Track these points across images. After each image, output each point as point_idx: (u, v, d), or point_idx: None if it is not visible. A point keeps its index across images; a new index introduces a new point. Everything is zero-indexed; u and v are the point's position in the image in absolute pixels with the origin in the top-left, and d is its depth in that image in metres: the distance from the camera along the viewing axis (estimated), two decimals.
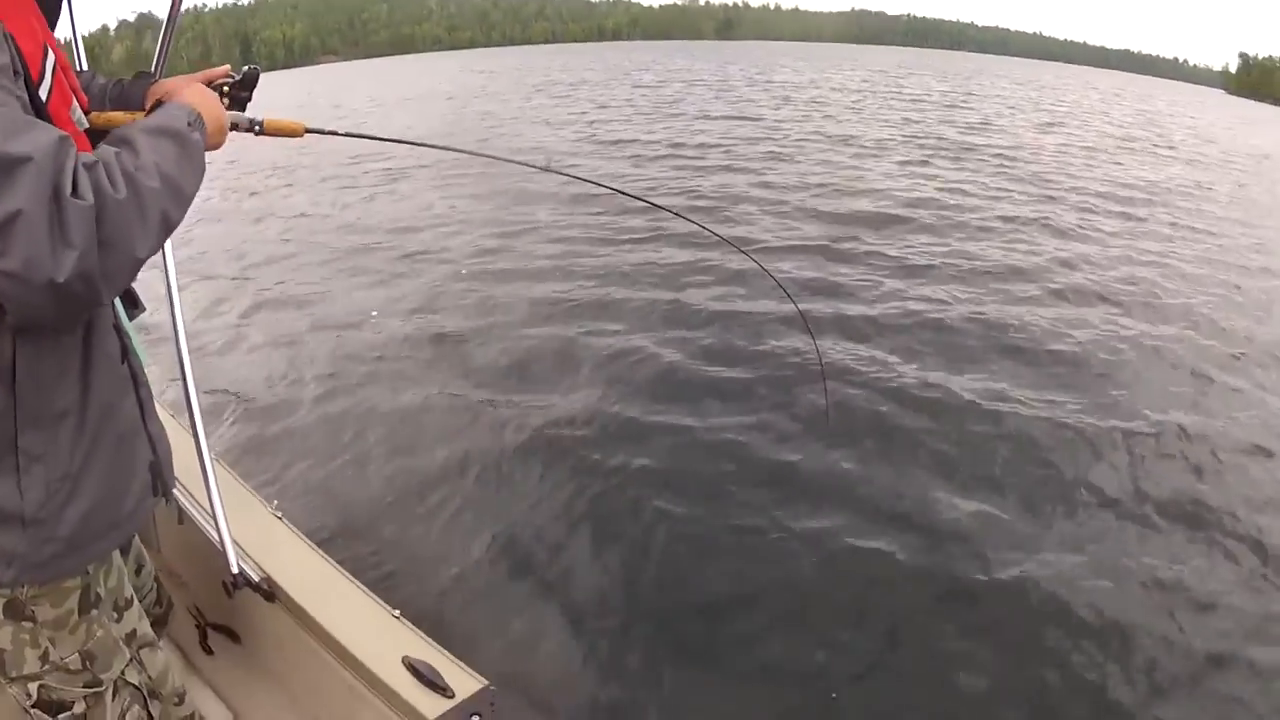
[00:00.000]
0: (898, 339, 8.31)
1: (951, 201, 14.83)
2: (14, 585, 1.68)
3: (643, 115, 28.83)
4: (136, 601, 2.14)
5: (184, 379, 2.62)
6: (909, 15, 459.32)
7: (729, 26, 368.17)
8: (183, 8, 2.60)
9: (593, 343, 7.99)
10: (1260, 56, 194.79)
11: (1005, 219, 13.82)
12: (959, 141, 23.66)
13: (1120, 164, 22.02)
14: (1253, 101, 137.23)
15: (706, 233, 7.65)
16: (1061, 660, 4.43)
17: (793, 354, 7.76)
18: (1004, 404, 7.11)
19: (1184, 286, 10.91)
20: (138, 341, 2.03)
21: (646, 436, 6.54)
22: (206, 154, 1.81)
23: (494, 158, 4.53)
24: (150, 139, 1.52)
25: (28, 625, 1.74)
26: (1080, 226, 13.93)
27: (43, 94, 1.53)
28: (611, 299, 9.13)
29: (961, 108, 37.35)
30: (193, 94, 1.81)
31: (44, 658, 1.80)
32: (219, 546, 2.50)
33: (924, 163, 19.15)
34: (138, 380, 1.93)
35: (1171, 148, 28.83)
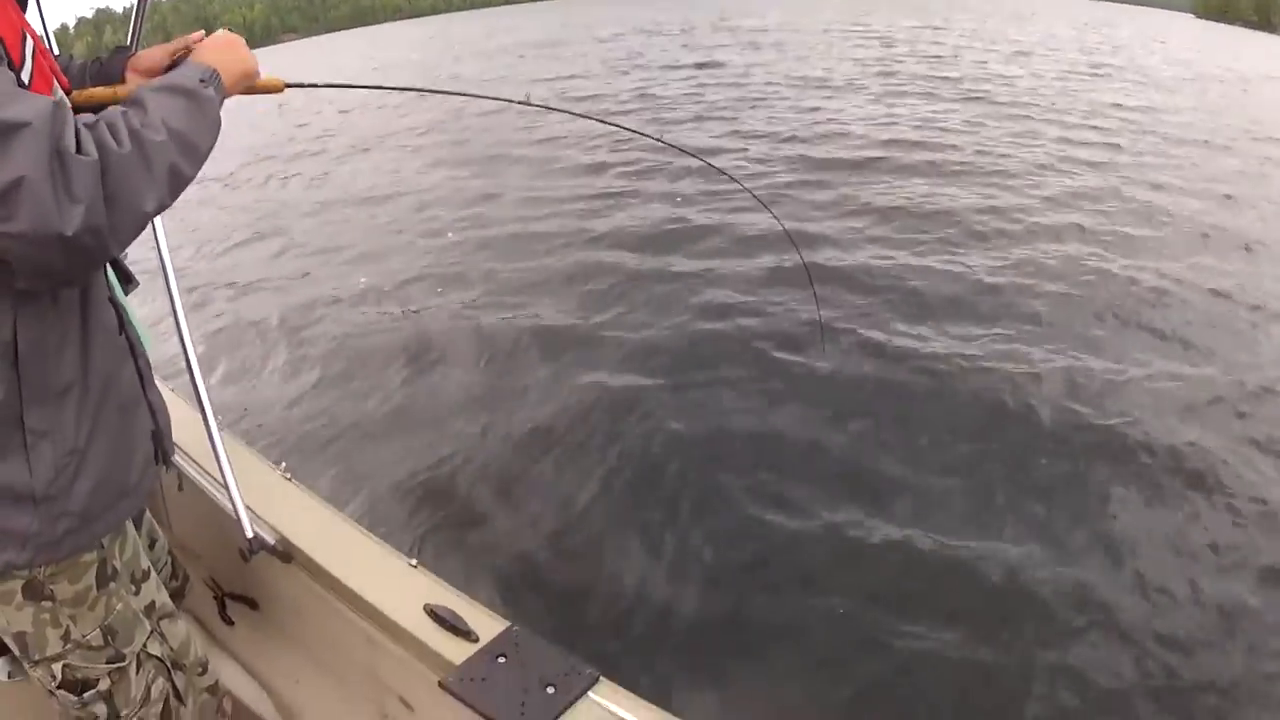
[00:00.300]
0: (884, 285, 8.33)
1: (929, 139, 14.80)
2: (31, 565, 1.69)
3: (610, 70, 29.00)
4: (154, 572, 2.15)
5: (184, 348, 2.63)
6: None
7: None
8: None
9: (592, 292, 8.05)
10: None
11: (982, 152, 13.83)
12: (931, 76, 23.72)
13: (1095, 92, 22.28)
14: (1222, 25, 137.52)
15: (692, 160, 7.86)
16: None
17: (782, 275, 8.06)
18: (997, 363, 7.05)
19: (1172, 221, 10.91)
20: (133, 314, 2.05)
21: (648, 397, 6.51)
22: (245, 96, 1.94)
23: (472, 95, 4.64)
24: (158, 96, 1.54)
25: (48, 605, 1.76)
26: (1060, 162, 13.88)
27: (24, 77, 1.53)
28: (601, 243, 9.26)
29: (931, 43, 37.15)
30: (212, 51, 1.81)
31: (65, 637, 1.82)
32: (231, 513, 2.48)
33: (898, 98, 19.24)
34: (135, 350, 1.94)
35: (1145, 76, 28.92)
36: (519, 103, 2.92)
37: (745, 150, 13.48)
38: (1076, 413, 6.34)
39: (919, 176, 12.22)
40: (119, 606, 1.91)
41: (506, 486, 5.49)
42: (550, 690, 1.90)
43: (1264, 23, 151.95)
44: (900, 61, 27.82)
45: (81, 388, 1.67)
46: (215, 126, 1.65)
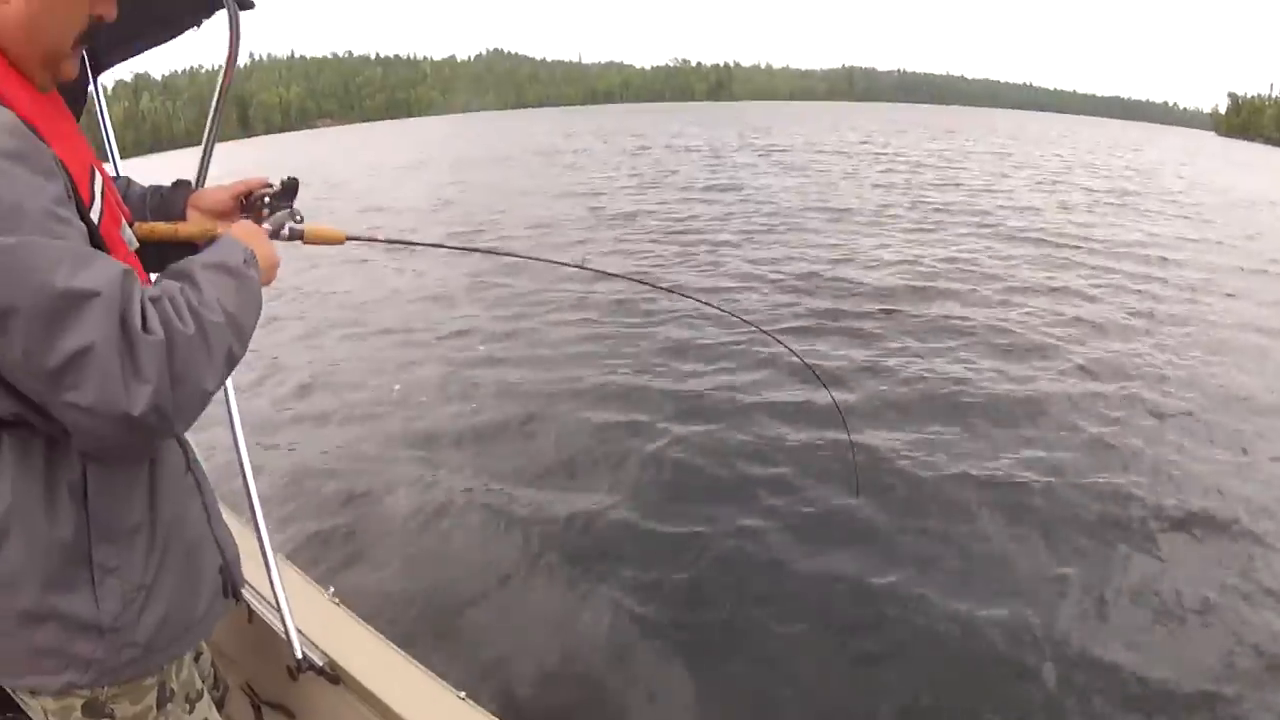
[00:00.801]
0: (921, 414, 8.37)
1: (961, 270, 14.78)
2: (93, 686, 1.69)
3: (645, 186, 28.82)
4: (206, 692, 2.16)
5: (244, 477, 2.66)
6: (900, 70, 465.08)
7: (720, 87, 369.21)
8: (219, 126, 2.59)
9: (621, 430, 8.06)
10: (1248, 96, 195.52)
11: (1015, 288, 13.71)
12: (957, 204, 23.50)
13: (1122, 222, 22.06)
14: (1243, 142, 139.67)
15: (727, 315, 7.22)
16: None
17: (818, 429, 7.85)
18: (1037, 479, 7.01)
19: (1212, 351, 10.84)
20: (197, 452, 2.06)
21: (688, 525, 6.50)
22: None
23: (526, 258, 4.71)
24: (209, 274, 1.56)
25: None
26: (1093, 290, 13.84)
27: (94, 216, 1.55)
28: (634, 385, 9.23)
29: (956, 168, 37.21)
30: (244, 232, 1.84)
31: None
32: (283, 634, 2.52)
33: (926, 229, 19.12)
34: (202, 488, 1.96)
35: (1172, 200, 28.83)
36: (574, 266, 2.95)
37: (780, 287, 13.52)
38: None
39: (949, 312, 12.23)
40: None
41: (557, 627, 5.43)
42: None
43: None
44: (929, 189, 27.79)
45: (149, 527, 1.69)
46: (258, 307, 1.68)
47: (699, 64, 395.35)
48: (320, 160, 55.42)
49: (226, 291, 1.54)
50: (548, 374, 9.54)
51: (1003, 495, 6.83)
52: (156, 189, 2.10)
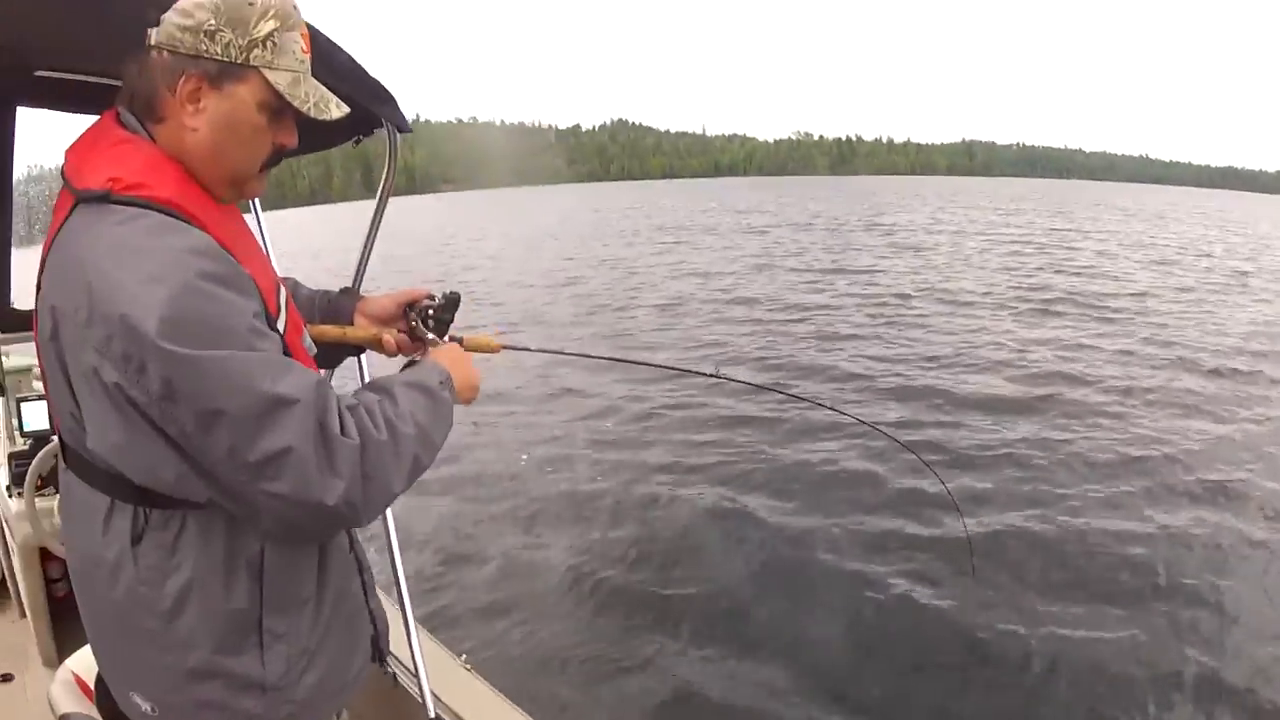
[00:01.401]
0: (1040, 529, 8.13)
1: (1075, 371, 14.32)
2: None
3: (761, 270, 28.78)
4: None
5: (391, 553, 2.82)
6: (1018, 144, 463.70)
7: (843, 161, 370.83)
8: (376, 235, 2.81)
9: (732, 522, 8.27)
10: None
11: (1135, 391, 13.24)
12: (1075, 292, 22.86)
13: (1244, 307, 21.48)
14: None
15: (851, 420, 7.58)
16: None
17: (936, 526, 7.97)
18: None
19: None
20: (357, 533, 2.15)
21: (811, 610, 6.70)
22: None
23: (664, 367, 5.28)
24: (407, 391, 1.66)
25: None
26: (1218, 395, 13.20)
27: (280, 327, 1.63)
28: (753, 487, 9.29)
29: (1075, 247, 36.93)
30: (447, 357, 1.92)
31: None
32: (418, 696, 2.64)
33: (1036, 318, 18.97)
34: (362, 565, 2.04)
35: None
36: (709, 375, 2.93)
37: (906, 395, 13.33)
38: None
39: (1066, 414, 11.99)
40: None
41: (668, 690, 5.67)
42: None
43: None
44: (1048, 274, 27.35)
45: (317, 600, 1.77)
46: (449, 426, 1.77)
47: (821, 137, 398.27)
48: (450, 232, 57.18)
49: (420, 408, 1.63)
50: (674, 476, 9.65)
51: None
52: (325, 294, 2.22)
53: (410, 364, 1.89)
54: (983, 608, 6.53)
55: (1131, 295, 22.56)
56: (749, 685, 5.66)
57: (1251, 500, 8.65)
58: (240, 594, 1.62)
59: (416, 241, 43.51)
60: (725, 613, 6.65)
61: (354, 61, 1.99)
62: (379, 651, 2.11)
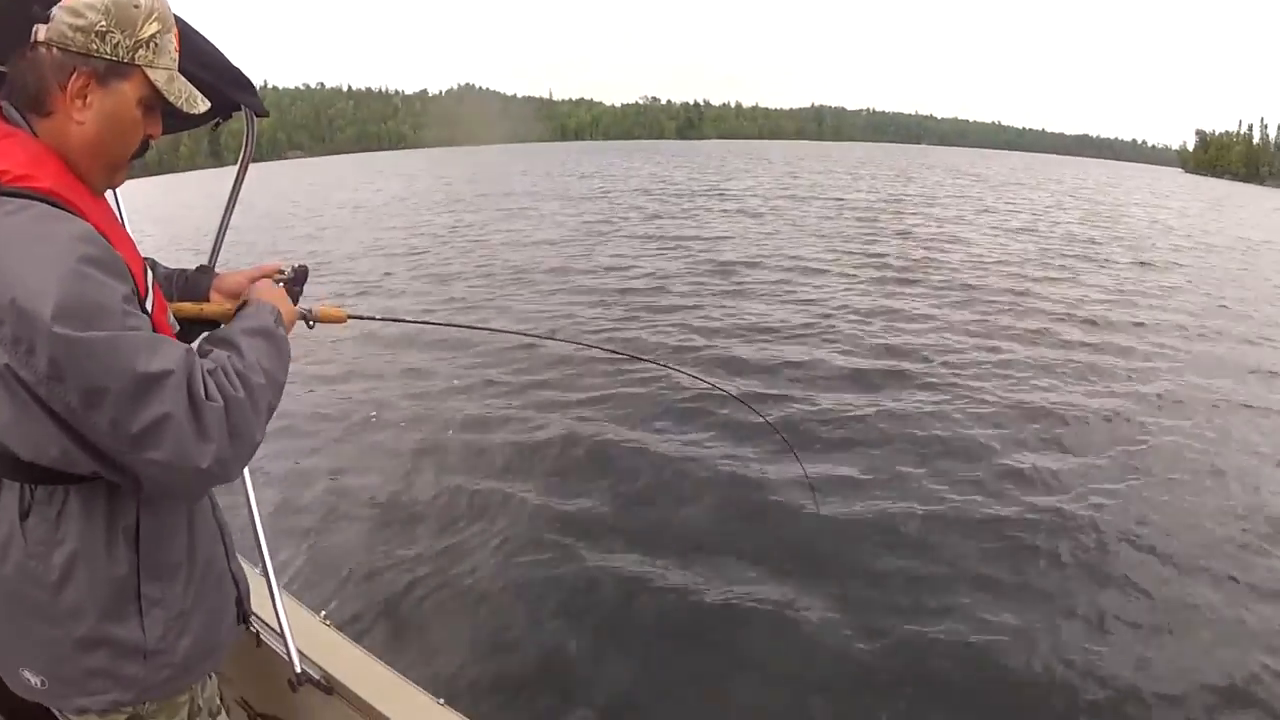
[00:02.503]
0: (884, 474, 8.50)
1: (923, 342, 14.13)
2: (134, 703, 1.92)
3: (597, 236, 28.63)
4: (222, 708, 2.40)
5: (253, 517, 2.94)
6: (869, 109, 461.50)
7: (690, 126, 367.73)
8: (231, 214, 2.96)
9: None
10: (1215, 132, 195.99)
11: (994, 357, 13.34)
12: (918, 259, 22.84)
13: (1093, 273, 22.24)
14: (1211, 179, 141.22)
15: (700, 383, 8.36)
16: None
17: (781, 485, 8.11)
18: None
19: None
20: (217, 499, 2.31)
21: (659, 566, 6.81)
22: None
23: (505, 332, 4.75)
24: (249, 339, 1.80)
25: None
26: (1068, 363, 13.37)
27: (149, 306, 1.77)
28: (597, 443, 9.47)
29: (921, 213, 37.02)
30: (267, 293, 2.10)
31: None
32: (284, 654, 2.74)
33: (887, 287, 18.59)
34: (224, 530, 2.20)
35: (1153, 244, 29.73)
36: (548, 339, 2.63)
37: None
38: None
39: (916, 385, 11.90)
40: None
41: (528, 635, 5.89)
42: None
43: (1251, 174, 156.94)
44: (888, 240, 27.17)
45: (189, 565, 1.93)
46: (288, 361, 1.91)
47: (669, 102, 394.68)
48: (297, 196, 54.78)
49: (264, 353, 1.79)
50: (521, 436, 9.80)
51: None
52: (182, 272, 2.32)
53: (242, 305, 2.05)
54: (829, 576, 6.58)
55: (980, 261, 23.06)
56: (587, 635, 5.81)
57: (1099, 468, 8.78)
58: (120, 562, 1.78)
59: (262, 213, 40.37)
60: (576, 565, 6.77)
61: (218, 51, 2.15)
62: (243, 612, 2.26)
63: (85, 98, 1.67)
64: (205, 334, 1.93)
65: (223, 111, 2.44)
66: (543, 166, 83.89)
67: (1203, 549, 7.05)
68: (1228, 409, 11.00)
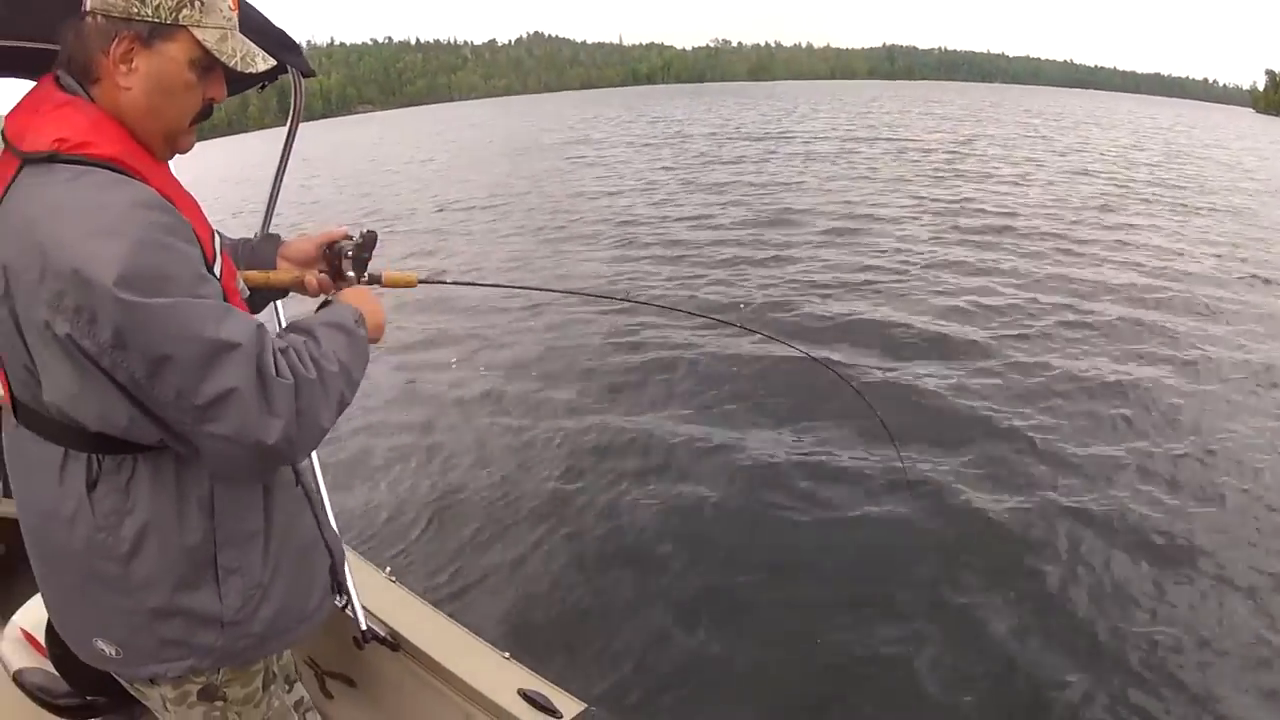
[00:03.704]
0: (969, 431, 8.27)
1: (996, 292, 13.38)
2: (209, 671, 1.89)
3: (679, 188, 26.64)
4: (297, 674, 2.34)
5: (316, 477, 2.82)
6: (941, 48, 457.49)
7: (761, 68, 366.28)
8: (282, 180, 2.95)
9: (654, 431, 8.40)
10: None
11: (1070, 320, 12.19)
12: (993, 214, 20.14)
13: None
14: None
15: (764, 337, 8.04)
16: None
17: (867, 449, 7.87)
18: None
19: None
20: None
21: (742, 521, 6.79)
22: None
23: (579, 293, 5.29)
24: (327, 330, 1.77)
25: (219, 704, 1.97)
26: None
27: (217, 272, 1.71)
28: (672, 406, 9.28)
29: (1005, 159, 34.01)
30: (356, 296, 2.05)
31: None
32: (349, 611, 2.76)
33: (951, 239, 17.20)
34: (311, 499, 2.14)
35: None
36: (620, 299, 2.56)
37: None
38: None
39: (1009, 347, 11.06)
40: (277, 703, 2.13)
41: (590, 592, 5.91)
42: None
43: None
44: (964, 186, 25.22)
45: (266, 533, 1.88)
46: (366, 361, 1.88)
47: (739, 44, 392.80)
48: (362, 151, 54.85)
49: (340, 346, 1.76)
50: (594, 402, 9.68)
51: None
52: (247, 241, 2.32)
53: (324, 304, 2.01)
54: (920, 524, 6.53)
55: (1058, 207, 21.33)
56: (669, 606, 5.71)
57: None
58: (194, 530, 1.74)
59: (334, 171, 40.75)
60: (640, 530, 6.68)
61: (258, 12, 2.04)
62: (338, 583, 2.23)
63: (131, 62, 1.59)
64: (287, 325, 1.90)
65: (269, 74, 2.28)
66: (612, 113, 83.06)
67: None
68: None
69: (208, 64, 1.67)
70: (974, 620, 5.52)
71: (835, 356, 10.22)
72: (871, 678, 5.06)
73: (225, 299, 1.62)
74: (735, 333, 11.16)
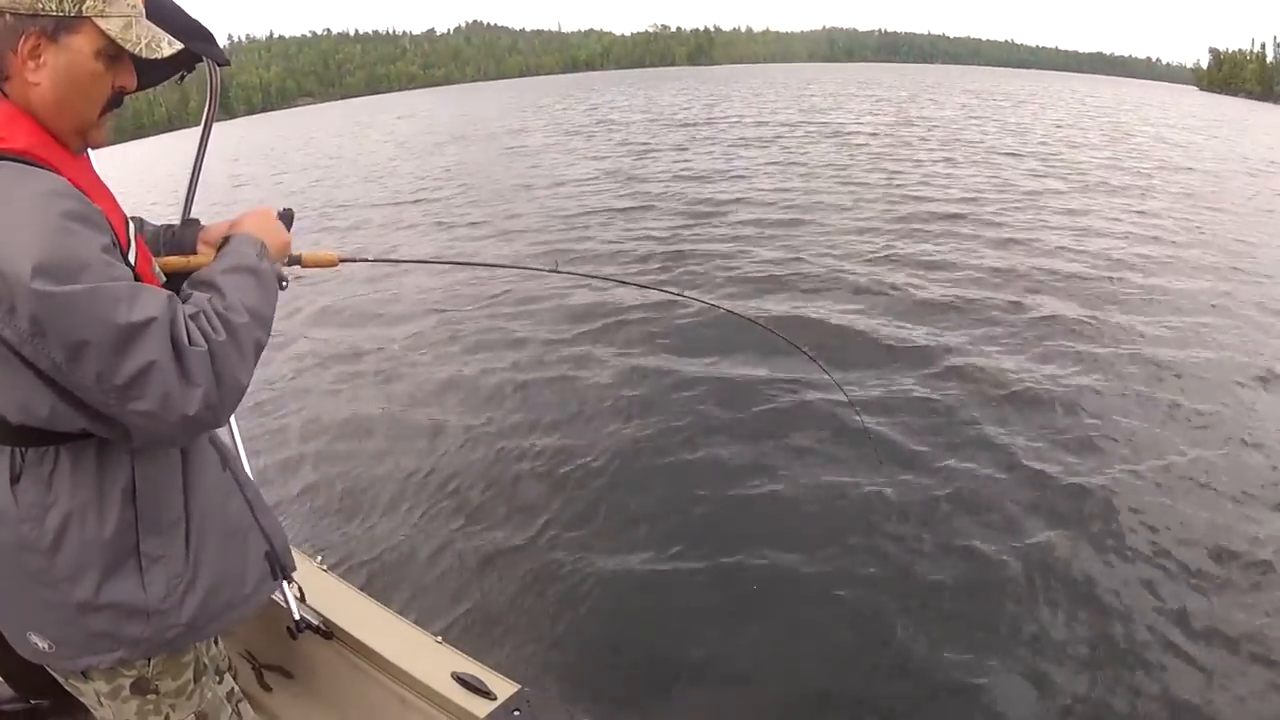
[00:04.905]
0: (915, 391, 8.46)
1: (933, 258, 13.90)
2: (141, 664, 1.91)
3: (610, 175, 26.22)
4: (229, 665, 2.40)
5: (241, 462, 2.70)
6: (880, 30, 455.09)
7: (701, 52, 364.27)
8: (201, 167, 2.85)
9: (584, 385, 8.63)
10: (1229, 51, 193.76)
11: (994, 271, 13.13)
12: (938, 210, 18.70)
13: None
14: (1225, 97, 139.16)
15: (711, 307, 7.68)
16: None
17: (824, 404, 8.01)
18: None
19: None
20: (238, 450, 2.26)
21: (677, 479, 6.91)
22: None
23: (506, 266, 5.23)
24: (230, 278, 1.76)
25: (152, 698, 1.98)
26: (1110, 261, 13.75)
27: (131, 258, 1.73)
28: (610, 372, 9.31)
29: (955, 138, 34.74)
30: (253, 224, 2.03)
31: None
32: (282, 601, 2.75)
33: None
34: (242, 484, 2.16)
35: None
36: (553, 271, 2.92)
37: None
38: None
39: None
40: (209, 695, 2.14)
41: (522, 573, 5.86)
42: None
43: (1266, 93, 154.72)
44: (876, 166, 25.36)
45: (187, 521, 1.88)
46: (275, 294, 1.87)
47: (679, 29, 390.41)
48: (294, 143, 54.51)
49: (246, 291, 1.75)
50: (521, 373, 9.61)
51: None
52: (169, 227, 2.29)
53: (224, 242, 1.95)
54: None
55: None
56: (601, 583, 5.72)
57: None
58: (115, 520, 1.75)
59: (262, 160, 39.49)
60: (582, 502, 6.69)
61: (173, 5, 2.00)
62: (281, 568, 2.21)
63: (39, 58, 1.63)
64: (190, 280, 1.83)
65: (185, 65, 2.19)
66: (544, 100, 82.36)
67: None
68: None
69: (114, 53, 1.69)
70: (898, 565, 5.74)
71: (766, 308, 10.77)
72: (797, 636, 5.16)
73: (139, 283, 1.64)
74: (663, 299, 11.21)
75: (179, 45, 1.74)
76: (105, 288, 1.46)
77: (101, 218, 1.58)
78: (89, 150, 1.89)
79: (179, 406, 1.51)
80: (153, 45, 1.69)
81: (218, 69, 2.45)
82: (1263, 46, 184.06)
